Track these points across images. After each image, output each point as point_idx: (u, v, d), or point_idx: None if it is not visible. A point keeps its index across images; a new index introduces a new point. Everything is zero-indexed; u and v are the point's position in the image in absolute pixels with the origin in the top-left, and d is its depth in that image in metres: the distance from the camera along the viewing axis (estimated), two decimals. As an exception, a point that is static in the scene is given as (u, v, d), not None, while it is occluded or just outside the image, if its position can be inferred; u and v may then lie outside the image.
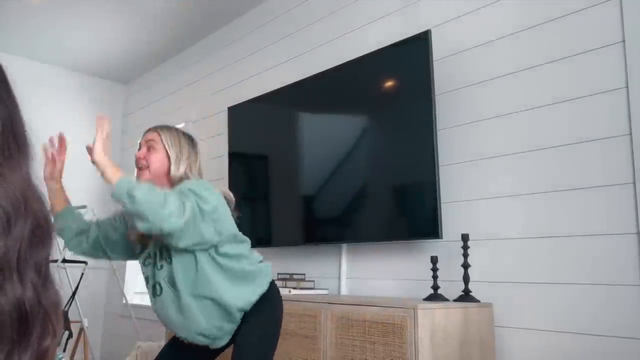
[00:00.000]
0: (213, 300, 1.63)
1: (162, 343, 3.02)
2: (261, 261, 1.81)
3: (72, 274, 3.62)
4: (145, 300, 4.39)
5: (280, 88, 3.00)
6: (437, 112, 2.23)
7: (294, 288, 2.41)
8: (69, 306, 3.50)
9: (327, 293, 2.49)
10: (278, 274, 2.67)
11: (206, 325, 1.64)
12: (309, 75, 2.91)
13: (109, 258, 1.97)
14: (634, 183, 1.75)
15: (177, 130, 1.83)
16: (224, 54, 3.88)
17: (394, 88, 2.39)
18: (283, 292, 2.32)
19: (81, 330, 3.60)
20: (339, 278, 2.63)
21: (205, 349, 1.73)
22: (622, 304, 1.73)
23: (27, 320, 0.44)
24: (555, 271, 1.90)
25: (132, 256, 1.88)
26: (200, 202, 1.55)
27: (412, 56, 2.31)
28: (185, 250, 1.60)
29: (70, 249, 1.92)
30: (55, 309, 0.49)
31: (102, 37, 4.15)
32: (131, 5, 3.63)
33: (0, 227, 0.43)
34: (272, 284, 1.78)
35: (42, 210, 0.49)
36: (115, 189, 1.53)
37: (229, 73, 3.77)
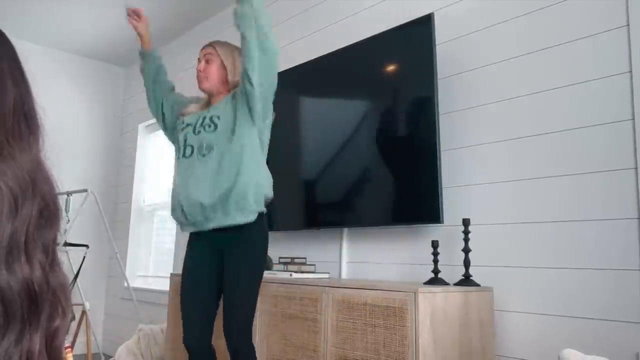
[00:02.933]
0: (236, 172, 1.92)
1: (164, 326, 3.04)
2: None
3: (74, 257, 3.64)
4: (147, 283, 4.41)
5: (282, 71, 2.98)
6: (439, 96, 2.22)
7: (295, 272, 2.42)
8: (71, 289, 3.52)
9: (328, 277, 2.50)
10: (279, 257, 2.68)
11: (207, 195, 1.91)
12: (310, 59, 2.89)
13: (152, 104, 2.32)
14: (636, 168, 1.75)
15: (229, 44, 2.14)
16: (225, 36, 3.84)
17: (396, 72, 2.37)
18: (284, 275, 2.33)
19: (83, 313, 3.63)
20: (340, 262, 2.64)
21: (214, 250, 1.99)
22: (622, 288, 1.74)
23: (36, 300, 0.45)
24: (555, 256, 1.91)
25: (166, 127, 2.27)
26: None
27: (414, 40, 2.29)
28: (232, 126, 1.96)
29: (145, 76, 2.28)
30: (63, 290, 0.49)
31: (102, 19, 4.12)
32: (131, -13, 3.59)
33: (8, 209, 0.43)
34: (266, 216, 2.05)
35: (51, 191, 0.49)
36: None
37: (229, 56, 3.74)
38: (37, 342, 0.44)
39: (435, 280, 2.03)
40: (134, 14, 2.21)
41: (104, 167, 4.92)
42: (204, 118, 2.03)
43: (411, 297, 1.72)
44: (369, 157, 2.43)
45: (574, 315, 1.84)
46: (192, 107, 2.15)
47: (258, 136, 2.01)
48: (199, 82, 2.10)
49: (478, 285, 2.01)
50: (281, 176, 2.88)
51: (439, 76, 2.26)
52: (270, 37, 1.90)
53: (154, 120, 4.60)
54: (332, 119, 2.63)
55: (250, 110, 1.97)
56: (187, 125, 2.07)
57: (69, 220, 3.66)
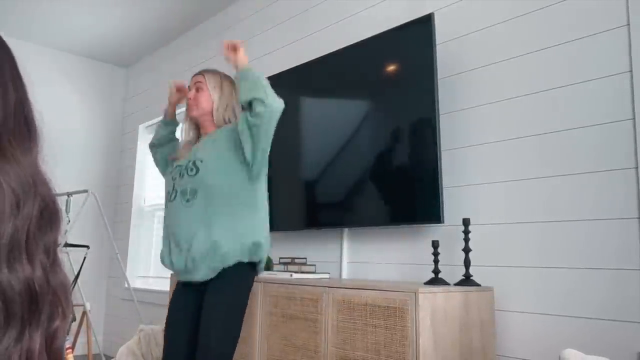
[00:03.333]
0: (222, 217, 1.87)
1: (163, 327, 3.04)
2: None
3: (75, 258, 3.64)
4: (148, 284, 4.41)
5: (282, 72, 2.98)
6: (439, 96, 2.22)
7: (296, 272, 2.42)
8: (72, 290, 3.52)
9: (328, 277, 2.50)
10: (280, 258, 2.68)
11: (196, 242, 1.85)
12: (310, 59, 2.89)
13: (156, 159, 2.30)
14: (637, 168, 1.74)
15: (220, 73, 2.13)
16: (225, 37, 3.85)
17: (396, 72, 2.37)
18: (284, 276, 2.33)
19: (84, 313, 3.63)
20: (340, 262, 2.64)
21: (196, 292, 1.94)
22: (622, 288, 1.74)
23: (36, 300, 0.45)
24: (556, 255, 1.91)
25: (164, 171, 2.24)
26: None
27: (414, 40, 2.29)
28: (220, 171, 1.91)
29: (156, 144, 2.29)
30: (64, 291, 0.49)
31: (102, 20, 4.12)
32: (131, -13, 3.59)
33: (10, 208, 0.44)
34: (258, 265, 2.01)
35: (50, 194, 0.50)
36: (249, 71, 1.93)
37: (229, 57, 3.75)
38: (37, 341, 0.45)
39: (436, 280, 2.03)
40: (176, 88, 2.23)
41: (105, 168, 4.93)
42: (189, 162, 1.98)
43: (412, 297, 1.72)
44: (369, 157, 2.43)
45: (574, 315, 1.83)
46: (184, 148, 2.12)
47: (252, 180, 1.96)
48: (189, 109, 2.09)
49: (478, 285, 2.00)
50: (282, 176, 2.88)
51: (439, 76, 2.26)
52: (275, 102, 1.92)
53: (154, 121, 4.60)
54: (332, 119, 2.63)
55: (244, 156, 1.93)
56: (176, 167, 2.04)
57: (69, 221, 3.66)
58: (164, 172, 2.24)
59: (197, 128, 2.14)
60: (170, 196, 1.99)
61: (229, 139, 1.96)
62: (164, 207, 2.09)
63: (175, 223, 1.92)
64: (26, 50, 4.42)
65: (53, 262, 0.49)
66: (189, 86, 2.13)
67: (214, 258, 1.86)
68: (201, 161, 1.94)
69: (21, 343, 0.43)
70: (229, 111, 2.08)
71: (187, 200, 1.90)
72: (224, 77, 2.12)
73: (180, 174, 1.98)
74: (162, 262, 2.00)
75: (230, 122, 2.07)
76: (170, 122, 2.26)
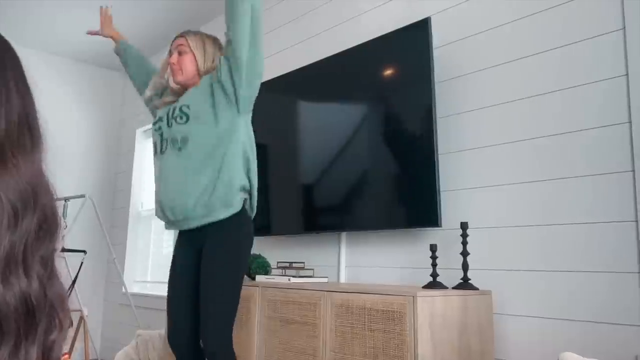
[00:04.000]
0: (220, 161, 1.85)
1: (162, 331, 3.03)
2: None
3: (71, 263, 3.63)
4: (145, 289, 4.40)
5: (280, 76, 2.98)
6: (436, 100, 2.22)
7: (294, 276, 2.42)
8: (69, 295, 3.51)
9: (326, 281, 2.50)
10: (277, 262, 2.68)
11: (187, 191, 1.84)
12: (308, 63, 2.90)
13: (131, 77, 2.37)
14: (634, 171, 1.75)
15: (201, 33, 2.08)
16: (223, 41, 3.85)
17: (393, 75, 2.38)
18: (282, 280, 2.33)
19: (81, 319, 3.61)
20: (339, 266, 2.64)
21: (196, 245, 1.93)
22: (620, 291, 1.74)
23: (33, 314, 0.45)
24: (554, 259, 1.91)
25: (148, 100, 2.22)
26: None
27: (412, 43, 2.29)
28: (212, 109, 1.88)
29: (123, 57, 2.36)
30: (62, 303, 0.49)
31: (98, 24, 4.12)
32: (128, -8, 3.59)
33: (7, 222, 0.43)
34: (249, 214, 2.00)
35: (51, 204, 0.50)
36: None
37: (227, 61, 3.75)
38: (33, 356, 0.44)
39: (434, 284, 2.03)
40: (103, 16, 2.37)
41: (102, 173, 4.92)
42: (174, 109, 1.95)
43: (410, 301, 1.72)
44: (367, 161, 2.43)
45: (573, 319, 1.84)
46: (166, 98, 2.09)
47: (242, 126, 1.94)
48: (173, 75, 2.02)
49: (477, 288, 2.00)
50: (279, 180, 2.88)
51: (436, 80, 2.26)
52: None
53: (150, 126, 4.60)
54: (330, 123, 2.63)
55: (233, 94, 1.89)
56: (159, 119, 2.01)
57: (66, 226, 3.65)
58: (138, 85, 2.29)
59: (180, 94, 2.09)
60: (159, 147, 1.97)
61: (209, 81, 1.94)
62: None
63: (168, 173, 1.90)
64: (22, 55, 4.39)
65: (50, 272, 0.48)
66: (170, 50, 2.06)
67: (209, 200, 1.84)
68: (188, 107, 1.91)
69: (17, 358, 0.43)
70: (214, 67, 2.01)
71: (179, 149, 1.88)
72: (205, 36, 2.07)
73: (168, 123, 1.95)
74: (157, 214, 2.00)
75: None
76: (123, 43, 2.37)
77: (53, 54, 4.68)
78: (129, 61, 2.32)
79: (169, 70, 2.07)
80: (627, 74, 1.79)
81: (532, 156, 2.01)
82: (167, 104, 2.05)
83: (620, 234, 1.76)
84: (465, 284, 2.00)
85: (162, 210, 1.94)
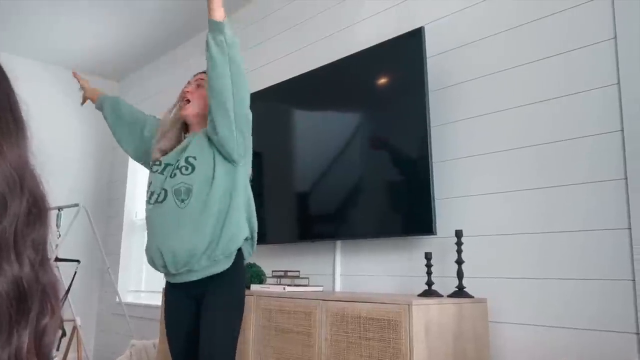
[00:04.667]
0: (209, 218, 1.79)
1: (156, 341, 3.01)
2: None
3: (65, 272, 3.60)
4: (139, 298, 4.38)
5: (274, 85, 2.99)
6: (430, 109, 2.23)
7: (289, 285, 2.41)
8: (62, 303, 3.48)
9: (321, 290, 2.49)
10: (272, 271, 2.67)
11: (191, 245, 1.77)
12: (302, 71, 2.91)
13: (114, 133, 2.34)
14: (626, 179, 1.76)
15: None
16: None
17: (387, 85, 2.39)
18: (277, 289, 2.32)
19: (74, 328, 3.58)
20: (334, 275, 2.64)
21: (192, 300, 1.88)
22: (614, 298, 1.74)
23: (25, 299, 0.44)
24: (548, 267, 1.91)
25: (138, 155, 2.22)
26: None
27: (405, 53, 2.31)
28: (208, 161, 1.84)
29: (104, 109, 2.36)
30: (54, 288, 0.49)
31: (94, 34, 4.13)
32: (123, 1, 3.60)
33: None
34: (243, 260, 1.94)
35: (39, 188, 0.49)
36: (223, 23, 1.76)
37: (221, 70, 3.76)
38: (25, 340, 0.44)
39: (429, 292, 2.03)
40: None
41: (96, 182, 4.90)
42: (179, 159, 1.88)
43: (405, 309, 1.72)
44: (361, 169, 2.44)
45: (568, 326, 1.84)
46: (165, 141, 2.00)
47: (241, 175, 1.89)
48: (183, 105, 1.97)
49: (472, 296, 2.00)
50: (274, 189, 2.88)
51: (430, 88, 2.27)
52: (241, 76, 1.80)
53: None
54: (324, 131, 2.64)
55: (226, 152, 1.84)
56: (166, 165, 1.92)
57: (59, 235, 3.63)
58: (137, 149, 2.20)
59: (182, 130, 2.03)
60: (157, 197, 1.87)
61: (205, 134, 1.90)
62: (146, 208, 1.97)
63: (169, 225, 1.81)
64: (17, 64, 4.41)
65: (42, 259, 0.48)
66: (189, 81, 2.03)
67: (213, 253, 1.80)
68: (195, 158, 1.86)
69: (10, 344, 0.43)
70: None
71: (182, 201, 1.81)
72: None
73: (171, 173, 1.87)
74: (152, 264, 1.91)
75: None
76: (100, 98, 2.38)
77: (47, 62, 4.67)
78: (108, 114, 2.33)
79: (176, 108, 2.03)
80: (618, 83, 1.81)
81: (526, 164, 2.02)
82: (163, 151, 1.97)
83: (613, 242, 1.77)
84: (460, 292, 2.00)
85: (162, 262, 1.85)
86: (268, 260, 2.99)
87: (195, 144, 1.90)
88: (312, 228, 2.67)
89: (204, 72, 2.00)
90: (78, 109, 4.84)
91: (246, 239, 1.91)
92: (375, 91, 2.44)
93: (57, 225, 3.70)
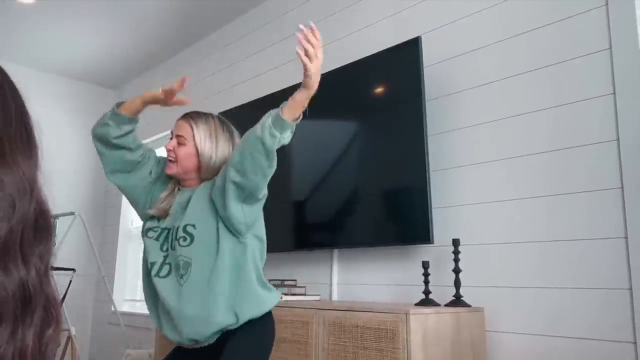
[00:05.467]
0: (217, 296, 1.52)
1: (152, 351, 2.99)
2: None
3: (60, 281, 3.58)
4: (135, 307, 4.35)
5: (271, 93, 3.00)
6: (427, 118, 2.24)
7: (286, 294, 2.40)
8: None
9: (318, 299, 2.48)
10: (269, 280, 2.66)
11: (199, 319, 1.53)
12: (299, 81, 2.91)
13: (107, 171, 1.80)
14: (622, 188, 1.77)
15: (214, 120, 1.70)
16: (214, 59, 3.87)
17: (384, 94, 2.40)
18: (274, 298, 2.31)
19: (69, 338, 3.56)
20: (331, 284, 2.63)
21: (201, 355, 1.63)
22: (611, 307, 1.74)
23: (30, 300, 0.46)
24: (545, 275, 1.91)
25: (138, 205, 1.75)
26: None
27: (403, 62, 2.32)
28: (211, 232, 1.56)
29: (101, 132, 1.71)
30: (55, 300, 0.50)
31: (91, 42, 4.13)
32: (120, 10, 3.61)
33: (5, 210, 0.44)
34: (271, 314, 1.69)
35: (46, 205, 0.51)
36: (289, 122, 1.59)
37: (219, 79, 3.77)
38: (29, 341, 0.45)
39: (427, 301, 2.02)
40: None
41: (92, 190, 4.89)
42: (177, 228, 1.59)
43: (402, 318, 1.71)
44: (359, 178, 2.44)
45: (565, 335, 1.83)
46: (164, 201, 1.69)
47: (251, 245, 1.61)
48: (167, 163, 1.65)
49: (469, 305, 2.00)
50: (271, 197, 2.87)
51: (427, 97, 2.28)
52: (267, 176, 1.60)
53: (144, 142, 4.59)
54: (321, 140, 2.64)
55: (232, 225, 1.57)
56: (163, 230, 1.63)
57: (55, 244, 3.62)
58: (114, 176, 1.77)
59: (175, 184, 1.73)
60: (159, 270, 1.60)
61: (208, 195, 1.60)
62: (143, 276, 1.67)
63: (170, 302, 1.56)
64: (14, 72, 4.39)
65: (46, 271, 0.49)
66: (171, 131, 1.69)
67: (218, 331, 1.56)
68: (194, 227, 1.57)
69: (14, 342, 0.44)
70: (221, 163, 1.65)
71: (181, 277, 1.55)
72: (218, 124, 1.71)
73: (171, 245, 1.59)
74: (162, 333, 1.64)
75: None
76: (133, 119, 1.66)
77: (43, 70, 4.67)
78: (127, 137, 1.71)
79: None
80: (614, 92, 1.82)
81: (523, 173, 2.03)
82: (162, 210, 1.67)
83: (611, 251, 1.77)
84: (457, 301, 2.00)
85: (177, 334, 1.58)
86: (265, 269, 2.98)
87: (195, 205, 1.60)
88: (309, 237, 2.66)
89: (185, 120, 1.67)
90: (74, 117, 4.84)
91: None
92: (372, 100, 2.44)
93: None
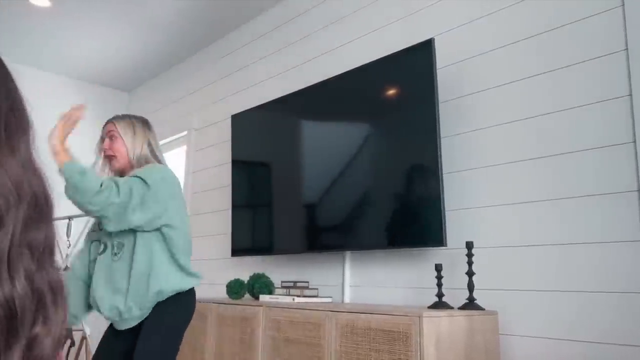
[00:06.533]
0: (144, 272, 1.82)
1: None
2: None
3: (74, 282, 3.61)
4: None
5: (283, 96, 3.00)
6: (440, 120, 2.23)
7: (298, 296, 2.41)
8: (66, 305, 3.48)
9: (330, 301, 2.48)
10: (281, 282, 2.66)
11: (127, 298, 1.82)
12: (312, 83, 2.92)
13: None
14: (639, 190, 1.75)
15: (130, 117, 2.07)
16: (227, 62, 3.89)
17: (397, 96, 2.39)
18: (286, 300, 2.31)
19: (83, 339, 3.58)
20: (343, 286, 2.62)
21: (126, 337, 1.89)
22: (628, 311, 1.72)
23: (15, 317, 0.43)
24: (560, 279, 1.90)
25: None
26: (139, 186, 1.81)
27: (415, 64, 2.31)
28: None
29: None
30: (52, 290, 0.47)
31: (105, 45, 4.17)
32: (134, 13, 3.65)
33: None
34: (192, 295, 1.95)
35: (42, 188, 0.48)
36: (64, 171, 1.78)
37: (232, 81, 3.79)
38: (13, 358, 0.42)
39: (440, 304, 2.01)
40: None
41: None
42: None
43: (415, 321, 1.71)
44: (371, 181, 2.44)
45: (580, 339, 1.81)
46: None
47: (154, 239, 1.88)
48: (110, 162, 2.02)
49: (483, 309, 1.99)
50: (283, 199, 2.88)
51: (440, 100, 2.27)
52: (92, 205, 1.75)
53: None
54: (334, 143, 2.64)
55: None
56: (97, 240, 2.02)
57: (70, 245, 3.65)
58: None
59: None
60: (97, 249, 1.96)
61: None
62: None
63: (104, 277, 1.88)
64: (28, 75, 4.46)
65: (40, 261, 0.46)
66: (101, 137, 2.07)
67: (156, 300, 1.85)
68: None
69: None
70: (145, 150, 2.01)
71: (115, 254, 1.88)
72: (134, 119, 2.07)
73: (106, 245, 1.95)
74: (96, 308, 1.96)
75: (147, 163, 2.00)
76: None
77: (61, 74, 4.73)
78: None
79: (102, 160, 2.05)
80: (630, 94, 1.80)
81: (537, 175, 2.01)
82: None
83: (626, 254, 1.75)
84: (471, 304, 1.98)
85: (98, 310, 1.92)
86: (277, 271, 2.99)
87: None
88: (321, 239, 2.66)
89: (109, 121, 2.05)
90: (89, 118, 4.88)
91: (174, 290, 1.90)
92: (384, 103, 2.44)
93: (67, 235, 3.72)
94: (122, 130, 2.01)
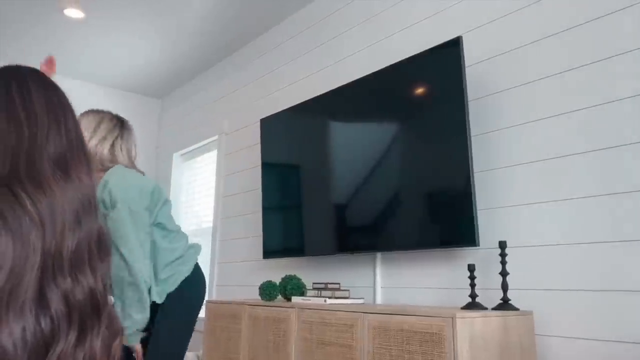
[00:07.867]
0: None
1: (200, 353, 3.05)
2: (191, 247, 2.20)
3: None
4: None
5: (312, 98, 3.02)
6: (470, 118, 2.21)
7: (329, 297, 2.41)
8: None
9: (362, 302, 2.47)
10: (313, 283, 2.67)
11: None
12: (340, 84, 2.92)
13: None
14: (679, 186, 1.69)
15: (98, 114, 2.06)
16: (255, 66, 3.93)
17: (426, 95, 2.38)
18: (318, 301, 2.32)
19: (121, 340, 3.67)
20: (374, 287, 2.62)
21: None
22: (670, 311, 1.67)
23: (98, 308, 0.49)
24: (597, 278, 1.85)
25: None
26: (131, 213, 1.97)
27: (443, 63, 2.29)
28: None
29: None
30: (117, 317, 0.54)
31: (136, 53, 4.26)
32: (164, 21, 3.72)
33: (72, 220, 0.47)
34: (193, 276, 2.16)
35: (104, 228, 0.54)
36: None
37: (261, 85, 3.82)
38: (97, 349, 0.48)
39: (473, 305, 1.99)
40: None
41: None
42: None
43: (449, 322, 1.69)
44: (401, 180, 2.42)
45: (618, 340, 1.77)
46: None
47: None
48: None
49: (517, 309, 1.95)
50: (313, 201, 2.89)
51: (469, 98, 2.25)
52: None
53: (188, 149, 4.70)
54: (363, 143, 2.64)
55: None
56: None
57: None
58: None
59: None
60: None
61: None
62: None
63: None
64: (61, 84, 4.59)
65: (106, 286, 0.52)
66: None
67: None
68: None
69: (83, 348, 0.47)
70: (102, 149, 2.04)
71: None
72: (103, 117, 2.08)
73: None
74: None
75: (110, 162, 2.05)
76: None
77: (94, 82, 4.85)
78: None
79: None
80: (668, 87, 1.75)
81: (571, 172, 1.97)
82: None
83: (667, 252, 1.69)
84: (505, 305, 1.95)
85: None
86: (308, 272, 3.00)
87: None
88: (351, 240, 2.66)
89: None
90: (122, 126, 4.99)
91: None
92: (413, 102, 2.43)
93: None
94: (84, 128, 2.05)
